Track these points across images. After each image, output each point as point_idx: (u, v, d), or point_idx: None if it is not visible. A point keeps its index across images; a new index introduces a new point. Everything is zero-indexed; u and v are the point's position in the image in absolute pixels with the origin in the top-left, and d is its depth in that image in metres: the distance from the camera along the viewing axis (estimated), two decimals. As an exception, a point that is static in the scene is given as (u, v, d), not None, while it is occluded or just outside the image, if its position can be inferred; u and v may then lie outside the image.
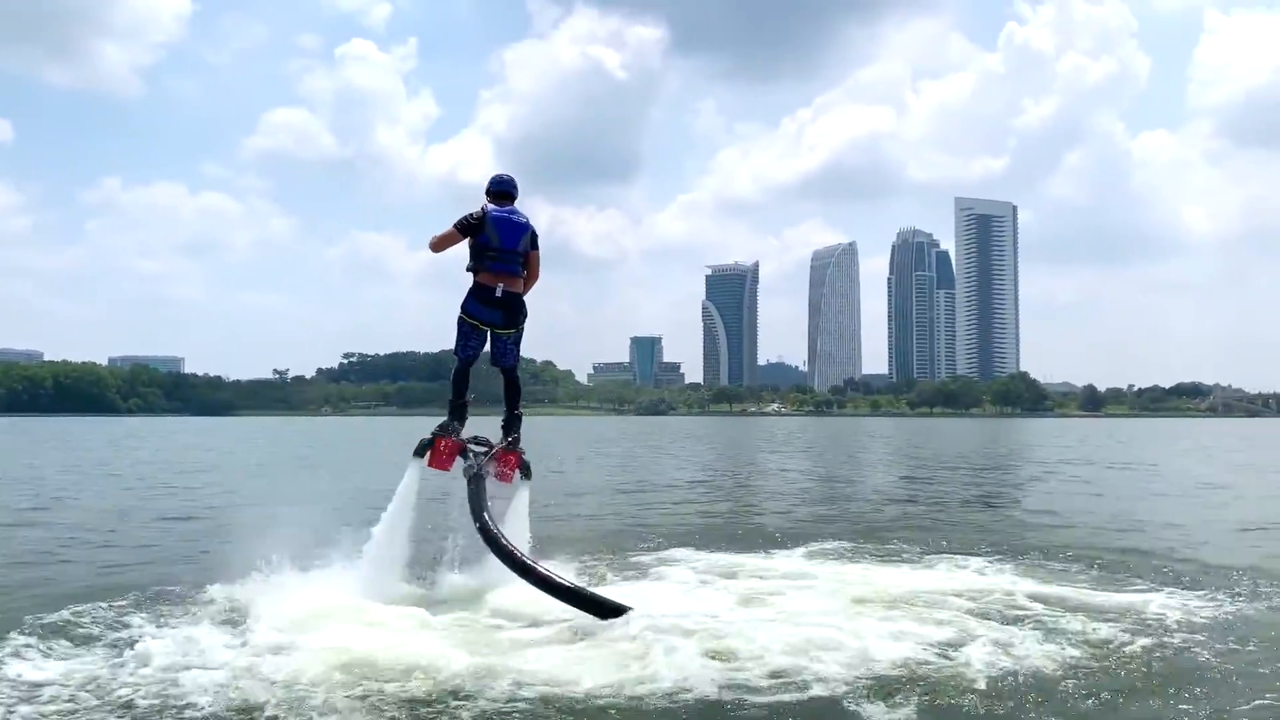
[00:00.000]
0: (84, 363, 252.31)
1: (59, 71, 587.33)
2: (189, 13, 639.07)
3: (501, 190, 9.32)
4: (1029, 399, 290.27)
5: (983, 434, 75.54)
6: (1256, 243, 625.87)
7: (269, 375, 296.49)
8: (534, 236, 9.25)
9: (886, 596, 8.77)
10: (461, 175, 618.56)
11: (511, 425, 9.46)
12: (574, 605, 7.45)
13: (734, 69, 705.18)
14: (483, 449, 9.16)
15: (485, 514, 8.35)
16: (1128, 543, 12.60)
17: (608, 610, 7.32)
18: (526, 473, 9.46)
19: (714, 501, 19.46)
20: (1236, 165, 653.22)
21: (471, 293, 9.04)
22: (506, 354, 9.31)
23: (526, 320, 9.25)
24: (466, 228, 8.97)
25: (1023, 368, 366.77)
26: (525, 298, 9.27)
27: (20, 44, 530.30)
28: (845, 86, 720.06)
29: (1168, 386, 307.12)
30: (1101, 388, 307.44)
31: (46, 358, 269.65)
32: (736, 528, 14.36)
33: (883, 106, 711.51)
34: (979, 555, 11.34)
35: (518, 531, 8.77)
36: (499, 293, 8.91)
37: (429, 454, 9.02)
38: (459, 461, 9.03)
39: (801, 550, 11.66)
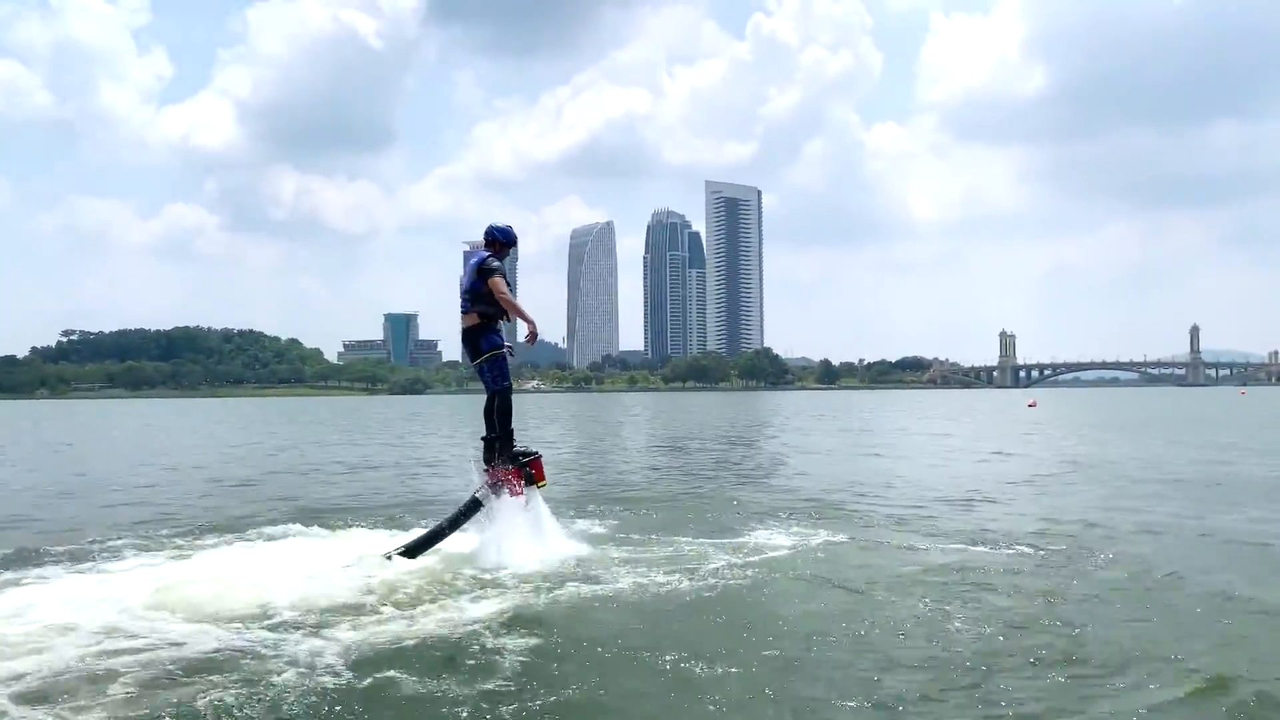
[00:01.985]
0: None
1: None
2: None
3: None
4: (772, 373, 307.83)
5: (736, 406, 79.14)
6: (972, 229, 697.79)
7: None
8: (482, 270, 9.71)
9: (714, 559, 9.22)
10: (198, 139, 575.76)
11: (501, 445, 9.91)
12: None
13: (492, 41, 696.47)
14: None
15: (421, 539, 9.34)
16: (912, 499, 13.59)
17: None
18: (529, 480, 9.84)
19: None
20: (956, 157, 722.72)
21: None
22: (484, 381, 9.90)
23: (491, 350, 9.76)
24: None
25: (766, 343, 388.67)
26: (486, 325, 9.80)
27: None
28: (603, 66, 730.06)
29: (894, 360, 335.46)
30: (836, 362, 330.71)
31: None
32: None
33: (639, 89, 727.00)
34: (783, 519, 11.86)
35: (548, 527, 9.77)
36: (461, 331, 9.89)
37: None
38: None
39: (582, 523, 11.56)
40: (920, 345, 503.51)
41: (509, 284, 9.77)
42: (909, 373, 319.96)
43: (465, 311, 9.80)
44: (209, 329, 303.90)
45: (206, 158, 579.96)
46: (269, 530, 11.34)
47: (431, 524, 9.78)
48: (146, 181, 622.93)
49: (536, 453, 10.05)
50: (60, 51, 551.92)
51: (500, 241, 9.95)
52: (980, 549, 9.89)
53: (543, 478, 9.98)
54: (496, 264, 9.74)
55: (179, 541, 10.63)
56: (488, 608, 7.43)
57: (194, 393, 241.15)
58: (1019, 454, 23.87)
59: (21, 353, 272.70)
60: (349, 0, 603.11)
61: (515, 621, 7.02)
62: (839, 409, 66.75)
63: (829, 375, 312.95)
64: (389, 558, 8.99)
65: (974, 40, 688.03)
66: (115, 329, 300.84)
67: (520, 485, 9.72)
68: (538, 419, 52.99)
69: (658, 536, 10.56)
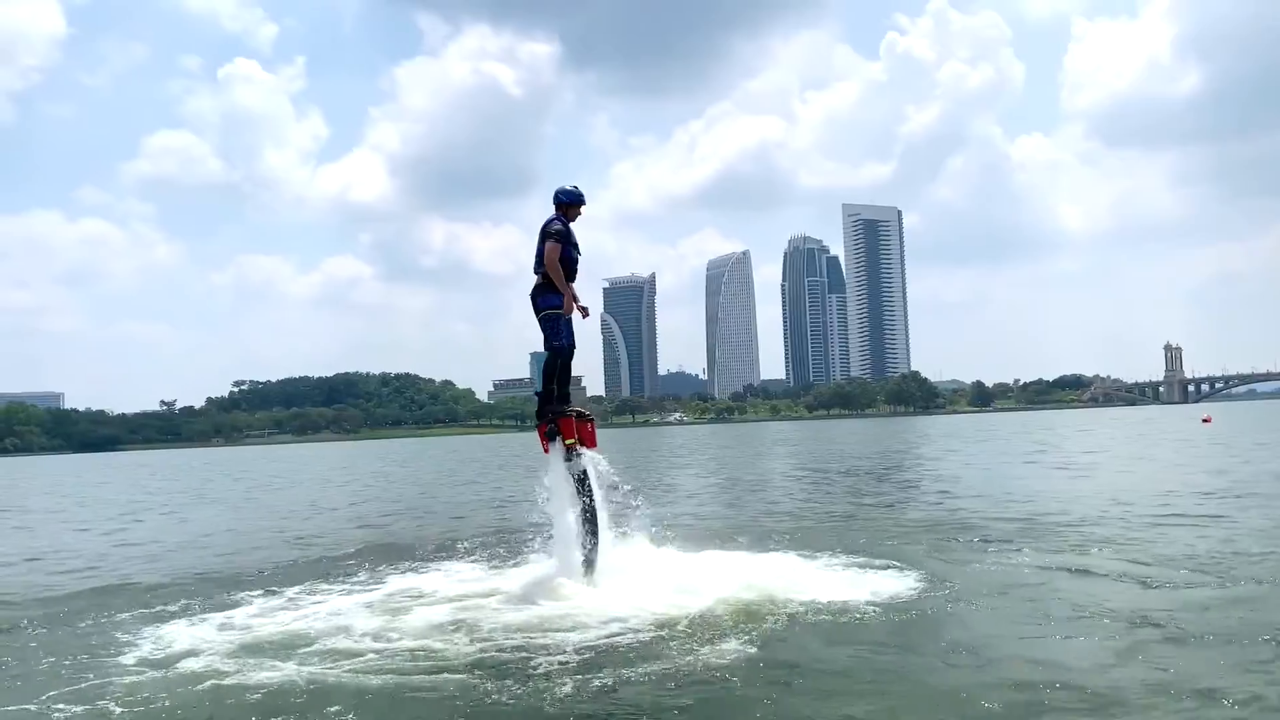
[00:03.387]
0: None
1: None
2: (63, 35, 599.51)
3: None
4: (921, 397, 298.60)
5: (894, 432, 76.66)
6: (1126, 238, 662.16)
7: (156, 407, 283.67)
8: (543, 233, 9.89)
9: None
10: (353, 195, 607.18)
11: (541, 401, 10.39)
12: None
13: (625, 83, 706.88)
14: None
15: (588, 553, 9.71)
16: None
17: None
18: (550, 436, 10.09)
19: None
20: (1107, 165, 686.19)
21: None
22: (544, 338, 10.14)
23: (545, 308, 9.94)
24: None
25: (914, 367, 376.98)
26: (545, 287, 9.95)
27: None
28: (735, 98, 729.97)
29: (1051, 379, 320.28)
30: (989, 383, 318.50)
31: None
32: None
33: (772, 116, 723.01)
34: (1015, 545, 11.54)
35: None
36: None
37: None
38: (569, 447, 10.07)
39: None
40: (1077, 363, 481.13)
41: (574, 246, 9.99)
42: (1068, 391, 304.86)
43: (536, 272, 10.01)
44: (368, 374, 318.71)
45: (361, 211, 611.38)
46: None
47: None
48: (306, 237, 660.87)
49: (568, 411, 10.07)
50: (228, 120, 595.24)
51: (566, 203, 10.11)
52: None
53: (571, 435, 9.92)
54: (556, 227, 9.86)
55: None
56: (734, 643, 7.36)
57: (356, 435, 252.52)
58: (1212, 471, 21.99)
59: (199, 403, 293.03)
60: (489, 53, 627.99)
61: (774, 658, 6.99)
62: (1008, 431, 63.72)
63: (982, 397, 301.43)
64: (587, 573, 9.56)
65: (1121, 43, 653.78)
66: (281, 377, 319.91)
67: (546, 443, 10.03)
68: (694, 452, 52.60)
69: (887, 561, 10.36)
